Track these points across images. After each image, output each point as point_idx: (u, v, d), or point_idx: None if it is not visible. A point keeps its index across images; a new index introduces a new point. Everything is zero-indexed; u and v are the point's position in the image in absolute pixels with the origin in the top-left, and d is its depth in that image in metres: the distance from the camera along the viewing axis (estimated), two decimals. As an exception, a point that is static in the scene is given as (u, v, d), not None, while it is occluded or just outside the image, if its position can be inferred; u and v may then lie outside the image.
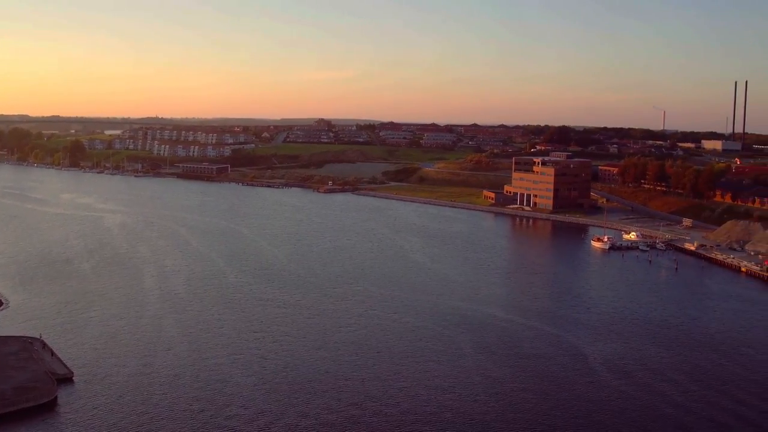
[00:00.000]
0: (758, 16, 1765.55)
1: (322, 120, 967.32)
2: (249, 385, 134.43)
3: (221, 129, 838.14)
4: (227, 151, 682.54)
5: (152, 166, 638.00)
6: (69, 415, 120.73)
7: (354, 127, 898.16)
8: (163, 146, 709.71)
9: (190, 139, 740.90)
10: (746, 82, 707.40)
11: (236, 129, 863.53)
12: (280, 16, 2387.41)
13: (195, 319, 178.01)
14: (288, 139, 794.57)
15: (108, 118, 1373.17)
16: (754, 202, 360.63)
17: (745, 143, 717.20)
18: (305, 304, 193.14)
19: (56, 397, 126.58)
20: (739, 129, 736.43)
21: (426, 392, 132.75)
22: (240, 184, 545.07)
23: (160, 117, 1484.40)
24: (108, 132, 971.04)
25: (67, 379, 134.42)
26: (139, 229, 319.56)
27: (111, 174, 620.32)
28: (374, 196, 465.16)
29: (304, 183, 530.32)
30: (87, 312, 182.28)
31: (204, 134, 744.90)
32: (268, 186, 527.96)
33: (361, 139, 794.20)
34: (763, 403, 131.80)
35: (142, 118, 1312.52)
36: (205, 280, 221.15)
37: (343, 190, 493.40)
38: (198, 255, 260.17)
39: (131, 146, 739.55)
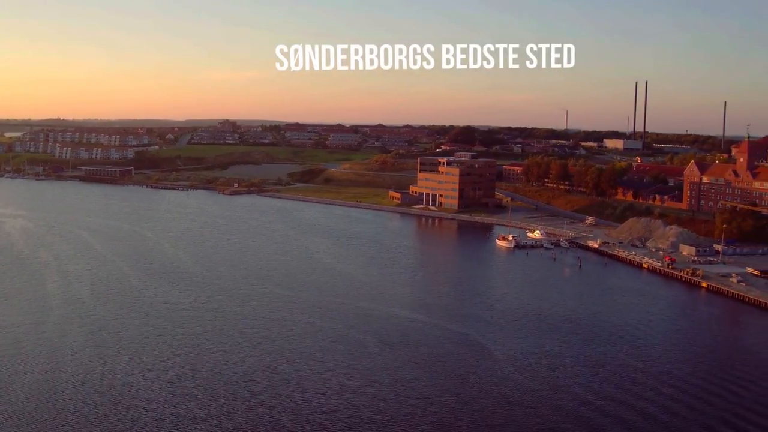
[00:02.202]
0: (659, 16, 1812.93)
1: (227, 121, 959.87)
2: (154, 388, 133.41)
3: (124, 131, 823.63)
4: (131, 153, 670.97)
5: (54, 169, 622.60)
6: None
7: (259, 128, 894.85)
8: (65, 149, 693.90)
9: (93, 141, 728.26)
10: (646, 82, 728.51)
11: (139, 131, 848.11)
12: (182, 15, 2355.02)
13: (99, 323, 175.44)
14: (192, 141, 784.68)
15: (8, 120, 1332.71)
16: (654, 199, 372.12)
17: (646, 142, 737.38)
18: (210, 306, 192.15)
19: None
20: (639, 128, 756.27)
21: (332, 392, 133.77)
22: (144, 186, 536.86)
23: (61, 119, 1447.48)
24: (8, 134, 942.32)
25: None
26: (41, 233, 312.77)
27: (11, 178, 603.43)
28: (279, 198, 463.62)
29: (209, 185, 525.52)
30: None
31: (107, 136, 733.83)
32: (173, 188, 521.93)
33: (266, 141, 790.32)
34: (659, 394, 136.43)
35: (43, 120, 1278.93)
36: (108, 284, 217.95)
37: (248, 192, 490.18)
38: (101, 259, 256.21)
39: (32, 149, 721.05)
